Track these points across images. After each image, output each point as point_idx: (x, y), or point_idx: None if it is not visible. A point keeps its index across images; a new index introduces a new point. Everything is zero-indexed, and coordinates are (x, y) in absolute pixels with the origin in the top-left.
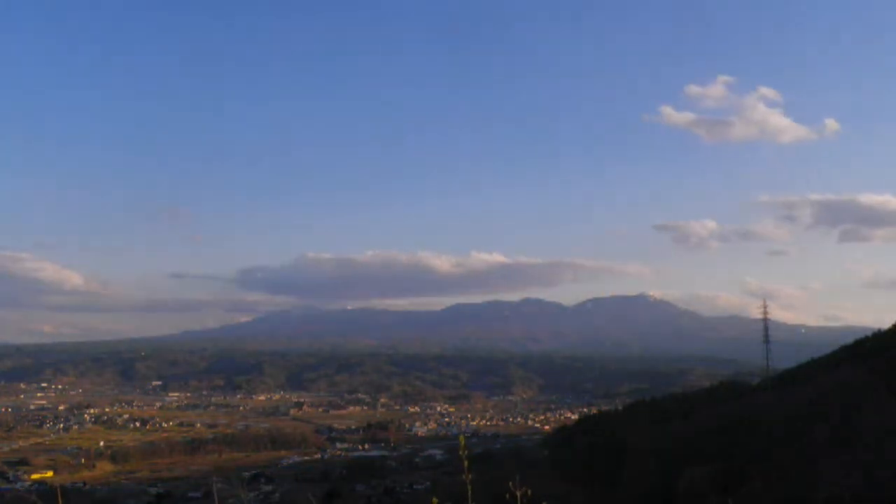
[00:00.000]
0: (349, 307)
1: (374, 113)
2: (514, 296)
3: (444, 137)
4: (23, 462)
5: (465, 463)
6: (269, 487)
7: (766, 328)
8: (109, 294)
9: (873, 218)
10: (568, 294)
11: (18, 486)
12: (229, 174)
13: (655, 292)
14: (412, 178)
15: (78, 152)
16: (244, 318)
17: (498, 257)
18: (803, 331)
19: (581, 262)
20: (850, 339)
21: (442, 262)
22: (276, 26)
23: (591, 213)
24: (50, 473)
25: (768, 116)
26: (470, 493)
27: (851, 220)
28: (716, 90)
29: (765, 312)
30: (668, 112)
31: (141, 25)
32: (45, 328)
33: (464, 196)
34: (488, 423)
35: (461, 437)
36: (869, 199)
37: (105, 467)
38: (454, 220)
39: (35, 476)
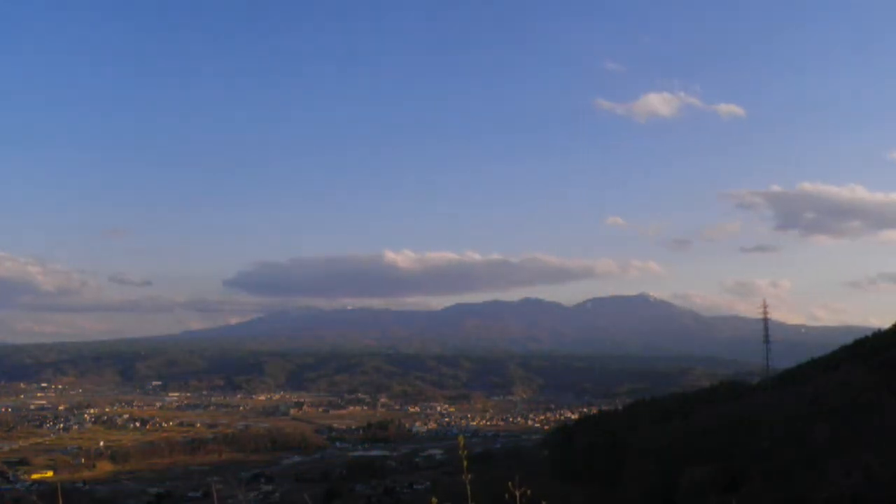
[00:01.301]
0: (349, 307)
1: (364, 113)
2: (513, 296)
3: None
4: (23, 462)
5: (465, 463)
6: (269, 487)
7: (766, 328)
8: (108, 294)
9: (833, 210)
10: (568, 294)
11: (18, 486)
12: (224, 171)
13: (655, 292)
14: (402, 178)
15: (72, 152)
16: (244, 318)
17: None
18: (803, 331)
19: (549, 259)
20: (850, 339)
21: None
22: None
23: (542, 209)
24: (50, 473)
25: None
26: (469, 492)
27: (811, 212)
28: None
29: (765, 312)
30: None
31: (106, 27)
32: (44, 328)
33: (465, 194)
34: (488, 422)
35: (460, 438)
36: (819, 189)
37: (105, 467)
38: (453, 219)
39: (35, 476)
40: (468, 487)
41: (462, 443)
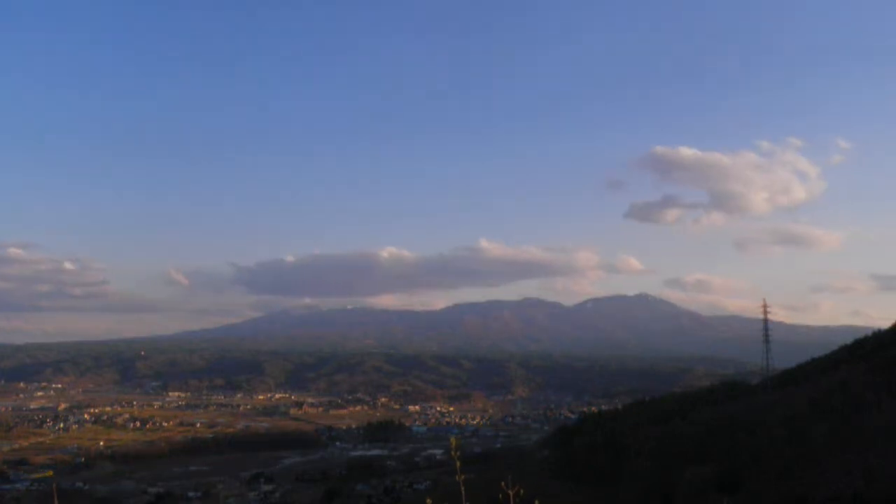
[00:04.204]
0: (349, 307)
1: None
2: (514, 295)
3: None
4: (23, 462)
5: (458, 464)
6: (269, 487)
7: (766, 328)
8: (109, 294)
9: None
10: (568, 294)
11: (18, 486)
12: (224, 169)
13: (655, 292)
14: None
15: (72, 152)
16: (243, 318)
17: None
18: (804, 330)
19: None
20: (850, 339)
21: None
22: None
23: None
24: (50, 473)
25: None
26: (464, 492)
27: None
28: None
29: (765, 312)
30: None
31: (125, 22)
32: (45, 328)
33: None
34: (488, 422)
35: (452, 439)
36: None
37: (105, 467)
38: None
39: (35, 476)
40: (462, 488)
41: (454, 444)
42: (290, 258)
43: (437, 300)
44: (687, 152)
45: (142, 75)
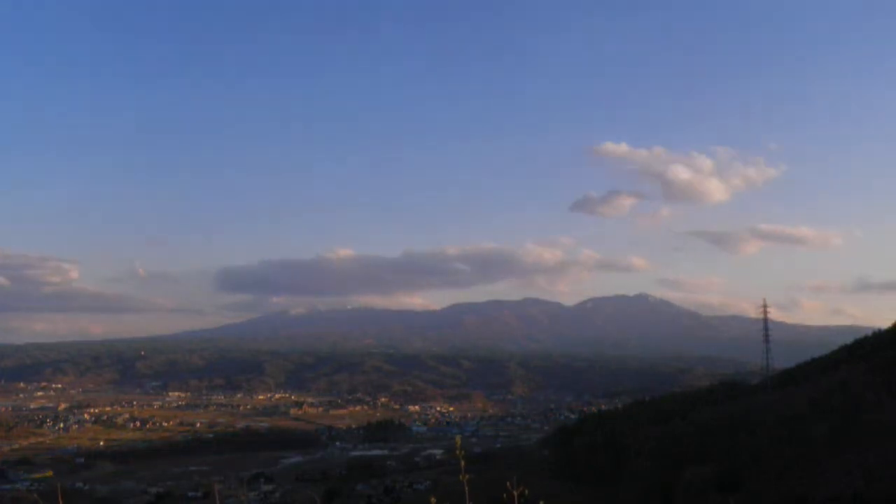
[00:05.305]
0: (349, 307)
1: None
2: (514, 295)
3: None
4: (23, 462)
5: (462, 463)
6: (269, 487)
7: (766, 328)
8: (109, 294)
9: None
10: (568, 294)
11: (18, 485)
12: (224, 167)
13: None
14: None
15: (71, 152)
16: (243, 318)
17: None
18: (802, 330)
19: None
20: (850, 339)
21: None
22: None
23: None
24: (50, 473)
25: None
26: (468, 492)
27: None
28: None
29: (765, 312)
30: None
31: (131, 19)
32: (45, 328)
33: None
34: (488, 422)
35: (457, 438)
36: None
37: (105, 467)
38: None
39: (35, 476)
40: (465, 487)
41: (458, 443)
42: (290, 258)
43: (415, 300)
44: (630, 148)
45: (116, 74)
